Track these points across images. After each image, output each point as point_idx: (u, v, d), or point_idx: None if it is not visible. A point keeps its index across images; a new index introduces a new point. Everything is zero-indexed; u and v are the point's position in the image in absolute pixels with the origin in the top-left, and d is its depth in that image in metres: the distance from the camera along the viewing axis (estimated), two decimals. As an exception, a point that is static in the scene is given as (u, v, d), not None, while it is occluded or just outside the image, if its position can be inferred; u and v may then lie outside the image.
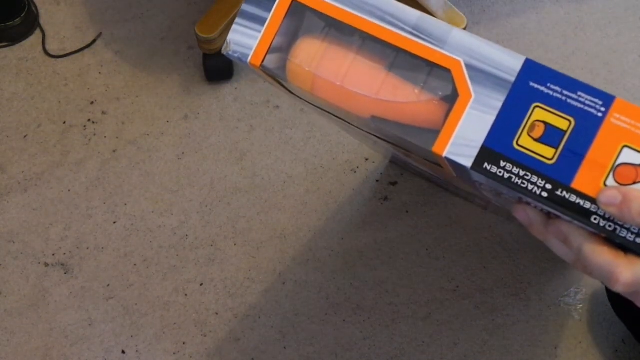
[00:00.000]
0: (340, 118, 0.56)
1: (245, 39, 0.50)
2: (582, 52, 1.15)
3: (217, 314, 0.93)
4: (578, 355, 0.89)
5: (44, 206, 1.01)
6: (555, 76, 0.45)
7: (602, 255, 0.44)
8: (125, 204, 1.01)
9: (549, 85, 0.44)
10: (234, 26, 0.50)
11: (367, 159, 1.03)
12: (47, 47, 1.16)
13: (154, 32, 1.17)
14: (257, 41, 0.50)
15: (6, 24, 1.15)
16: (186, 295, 0.94)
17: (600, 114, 0.44)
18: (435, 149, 0.46)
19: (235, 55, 0.50)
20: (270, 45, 0.50)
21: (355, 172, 1.02)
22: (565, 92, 0.44)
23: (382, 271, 0.95)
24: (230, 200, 1.01)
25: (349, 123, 0.59)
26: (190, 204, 1.01)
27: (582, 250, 0.45)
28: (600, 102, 0.44)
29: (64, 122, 1.08)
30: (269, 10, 0.50)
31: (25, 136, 1.07)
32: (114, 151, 1.05)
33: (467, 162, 0.45)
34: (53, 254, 0.97)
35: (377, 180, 1.01)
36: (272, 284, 0.94)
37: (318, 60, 0.48)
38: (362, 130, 0.60)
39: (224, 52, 0.51)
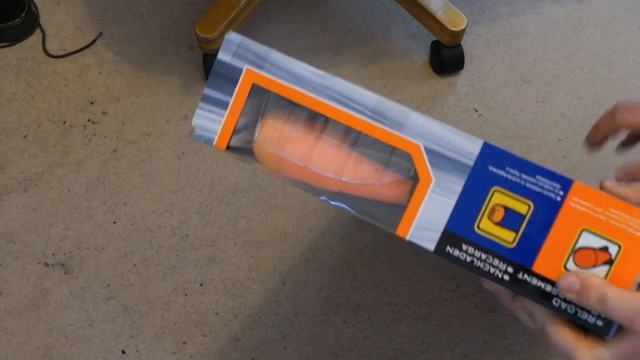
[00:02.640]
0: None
1: (209, 123, 0.51)
2: (582, 52, 1.15)
3: (217, 314, 0.93)
4: (578, 355, 0.89)
5: (44, 206, 1.01)
6: (514, 160, 0.45)
7: (563, 336, 0.45)
8: (125, 204, 1.01)
9: (507, 169, 0.45)
10: (197, 110, 0.52)
11: (367, 159, 1.03)
12: (47, 47, 1.16)
13: (154, 32, 1.17)
14: (221, 125, 0.51)
15: (6, 24, 1.15)
16: (186, 295, 0.94)
17: (559, 198, 0.44)
18: (399, 232, 0.46)
19: (201, 139, 0.51)
20: (235, 128, 0.50)
21: (355, 172, 1.02)
22: (524, 176, 0.45)
23: (382, 271, 0.95)
24: (230, 200, 1.01)
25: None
26: (190, 204, 1.01)
27: (545, 329, 0.46)
28: (559, 186, 0.44)
29: (64, 122, 1.08)
30: (231, 94, 0.50)
31: (25, 136, 1.07)
32: (114, 151, 1.05)
33: (430, 246, 0.46)
34: (53, 254, 0.97)
35: (377, 180, 1.01)
36: (272, 284, 0.94)
37: (283, 142, 0.49)
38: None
39: (190, 135, 0.52)
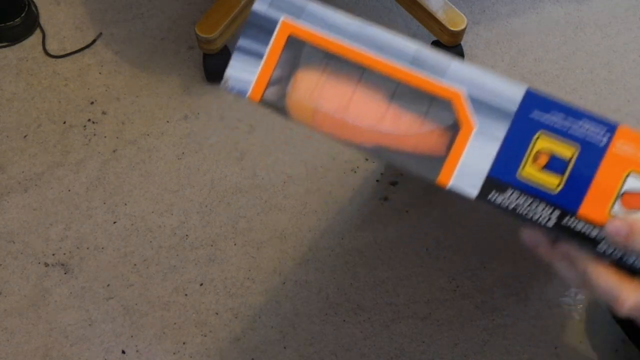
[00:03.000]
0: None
1: (243, 74, 0.50)
2: (582, 52, 1.15)
3: (217, 314, 0.93)
4: (578, 355, 0.89)
5: (44, 206, 1.01)
6: (558, 105, 0.45)
7: (607, 278, 0.44)
8: (125, 204, 1.01)
9: (551, 114, 0.44)
10: (231, 62, 0.50)
11: (367, 159, 1.03)
12: (47, 47, 1.16)
13: (154, 32, 1.17)
14: (256, 76, 0.50)
15: (6, 24, 1.15)
16: (186, 295, 0.94)
17: (604, 142, 0.44)
18: (440, 180, 0.45)
19: (234, 90, 0.50)
20: (269, 79, 0.49)
21: (355, 172, 1.02)
22: (568, 121, 0.44)
23: (382, 271, 0.95)
24: (230, 200, 1.01)
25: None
26: (190, 204, 1.01)
27: (587, 273, 0.45)
28: (604, 130, 0.44)
29: (64, 122, 1.08)
30: (266, 45, 0.49)
31: (25, 136, 1.07)
32: (114, 151, 1.05)
33: (473, 193, 0.45)
34: (53, 254, 0.97)
35: (377, 180, 1.01)
36: (272, 284, 0.94)
37: (318, 94, 0.48)
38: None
39: (222, 87, 0.51)
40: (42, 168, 1.04)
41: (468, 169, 0.45)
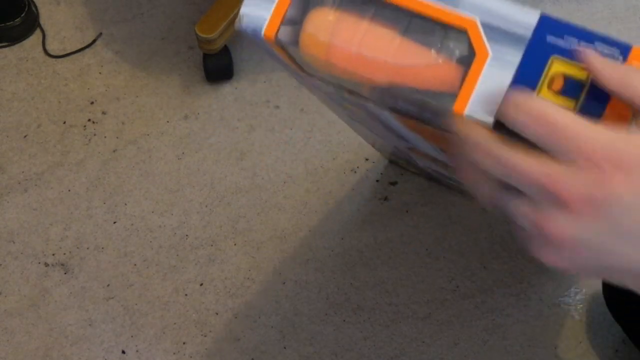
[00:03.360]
0: (354, 94, 0.56)
1: (258, 11, 0.49)
2: (582, 52, 1.15)
3: (217, 314, 0.93)
4: (578, 355, 0.89)
5: (44, 206, 1.01)
6: (572, 28, 0.44)
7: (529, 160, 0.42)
8: (125, 204, 1.01)
9: (565, 37, 0.44)
10: (245, 0, 0.50)
11: (367, 159, 1.03)
12: (47, 47, 1.16)
13: (154, 32, 1.17)
14: (270, 13, 0.49)
15: (6, 24, 1.15)
16: (186, 295, 0.94)
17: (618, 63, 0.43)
18: (456, 107, 0.45)
19: (249, 28, 0.49)
20: (284, 16, 0.49)
21: (355, 172, 1.02)
22: (583, 44, 0.44)
23: (382, 271, 0.95)
24: (230, 200, 1.01)
25: (356, 106, 0.58)
26: (190, 204, 1.01)
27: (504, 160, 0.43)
28: (618, 51, 0.43)
29: (64, 122, 1.08)
30: None
31: (25, 136, 1.07)
32: (114, 151, 1.05)
33: (489, 119, 0.45)
34: (53, 254, 0.97)
35: (377, 180, 1.01)
36: (272, 284, 0.94)
37: (332, 30, 0.48)
38: (369, 114, 0.60)
39: (236, 26, 0.50)
40: (42, 168, 1.04)
41: (484, 97, 0.45)
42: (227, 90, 1.10)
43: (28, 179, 1.03)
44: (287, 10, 0.49)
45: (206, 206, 1.00)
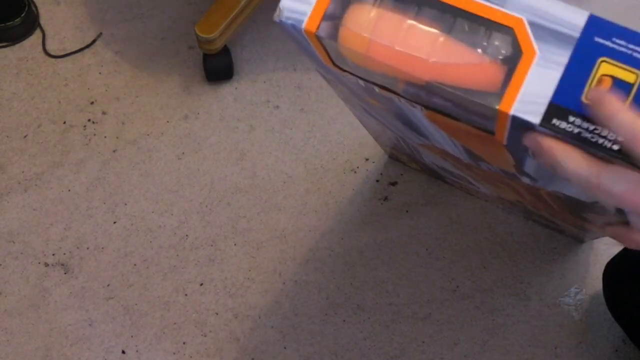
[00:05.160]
0: (376, 96, 0.55)
1: (298, 5, 0.49)
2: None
3: (217, 314, 0.93)
4: (578, 355, 0.89)
5: (44, 206, 1.01)
6: (621, 30, 0.44)
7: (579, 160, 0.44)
8: (125, 204, 1.01)
9: (614, 39, 0.44)
10: None
11: (367, 159, 1.03)
12: (47, 47, 1.16)
13: (154, 32, 1.17)
14: (312, 6, 0.49)
15: (6, 24, 1.15)
16: (186, 295, 0.94)
17: None
18: (502, 107, 0.45)
19: (289, 22, 0.49)
20: (326, 10, 0.49)
21: (355, 172, 1.02)
22: (631, 46, 0.44)
23: (382, 271, 0.95)
24: (230, 200, 1.01)
25: (383, 102, 0.58)
26: (190, 204, 1.01)
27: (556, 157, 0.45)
28: None
29: (64, 122, 1.08)
30: None
31: (25, 136, 1.07)
32: (114, 151, 1.05)
33: (535, 119, 0.44)
34: (53, 254, 0.97)
35: (377, 180, 1.01)
36: (272, 284, 0.94)
37: (373, 26, 0.48)
38: (392, 112, 0.59)
39: (275, 19, 0.50)
40: (42, 168, 1.04)
41: (530, 96, 0.45)
42: (227, 90, 1.10)
43: (28, 179, 1.03)
44: (328, 5, 0.49)
45: (206, 206, 1.00)
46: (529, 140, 0.46)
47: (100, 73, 1.13)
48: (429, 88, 0.48)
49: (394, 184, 1.01)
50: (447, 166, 0.81)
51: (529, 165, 0.57)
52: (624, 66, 0.44)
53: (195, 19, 1.17)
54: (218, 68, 1.09)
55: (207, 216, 0.99)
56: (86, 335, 0.92)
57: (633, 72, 0.44)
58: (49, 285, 0.95)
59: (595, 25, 0.45)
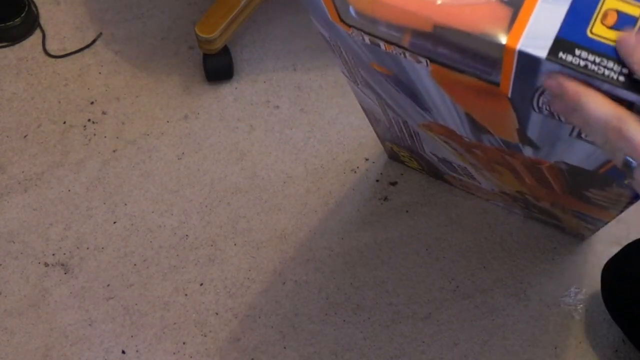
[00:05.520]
0: (383, 59, 0.55)
1: None
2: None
3: (217, 314, 0.93)
4: (578, 355, 0.89)
5: (44, 206, 1.01)
6: None
7: (605, 103, 0.44)
8: (125, 204, 1.01)
9: None
10: None
11: (367, 159, 1.03)
12: (47, 47, 1.16)
13: (154, 32, 1.17)
14: None
15: (6, 24, 1.15)
16: (186, 295, 0.94)
17: None
18: (509, 43, 0.45)
19: None
20: None
21: (355, 172, 1.02)
22: None
23: (382, 271, 0.95)
24: (230, 200, 1.01)
25: (390, 65, 0.58)
26: (190, 204, 1.01)
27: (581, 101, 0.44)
28: None
29: (64, 122, 1.08)
30: None
31: (25, 136, 1.07)
32: (114, 151, 1.05)
33: (542, 53, 0.45)
34: (53, 254, 0.97)
35: (377, 180, 1.01)
36: (272, 284, 0.94)
37: None
38: (398, 82, 0.59)
39: None
40: (42, 168, 1.04)
41: (536, 31, 0.45)
42: (227, 90, 1.10)
43: (28, 179, 1.03)
44: None
45: (206, 206, 1.00)
46: (552, 82, 0.46)
47: (100, 73, 1.13)
48: (436, 36, 0.48)
49: (394, 184, 1.01)
50: (448, 156, 0.81)
51: (533, 128, 0.57)
52: (629, 0, 0.44)
53: (195, 19, 1.17)
54: (218, 68, 1.09)
55: (207, 216, 0.99)
56: (86, 335, 0.92)
57: (637, 5, 0.44)
58: (49, 285, 0.95)
59: None
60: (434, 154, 0.84)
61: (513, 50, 0.46)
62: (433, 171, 0.96)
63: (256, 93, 1.09)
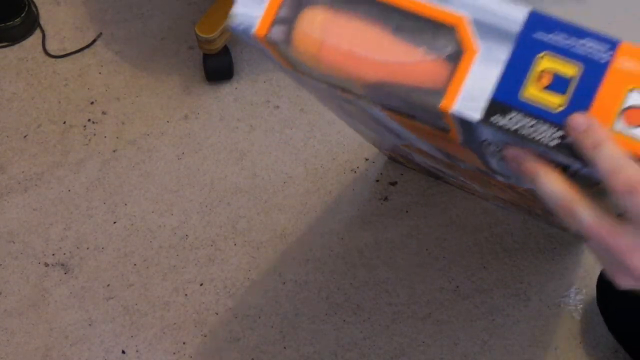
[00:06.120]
0: (348, 92, 0.56)
1: (250, 11, 0.50)
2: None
3: (217, 314, 0.93)
4: (578, 355, 0.89)
5: (44, 206, 1.01)
6: (560, 24, 0.45)
7: (559, 185, 0.44)
8: (125, 204, 1.01)
9: (554, 33, 0.44)
10: (238, 0, 0.51)
11: (367, 159, 1.03)
12: (47, 47, 1.16)
13: (154, 32, 1.17)
14: (263, 12, 0.50)
15: (6, 24, 1.15)
16: (186, 295, 0.94)
17: (606, 59, 0.43)
18: (443, 105, 0.45)
19: (240, 27, 0.50)
20: (276, 15, 0.49)
21: (355, 172, 1.02)
22: (571, 40, 0.44)
23: (382, 271, 0.95)
24: (230, 200, 1.01)
25: (349, 102, 0.58)
26: (190, 204, 1.01)
27: (538, 177, 0.45)
28: (606, 47, 0.43)
29: (64, 122, 1.08)
30: None
31: (25, 136, 1.07)
32: (114, 151, 1.05)
33: (475, 116, 0.45)
34: (53, 254, 0.97)
35: (377, 180, 1.01)
36: (272, 284, 0.94)
37: (323, 28, 0.48)
38: (364, 112, 0.60)
39: (227, 25, 0.51)
40: (42, 168, 1.04)
41: (471, 94, 0.45)
42: (227, 90, 1.10)
43: (28, 179, 1.03)
44: (279, 10, 0.49)
45: (206, 206, 1.00)
46: (509, 154, 0.47)
47: (100, 73, 1.13)
48: (381, 89, 0.48)
49: (393, 184, 1.01)
50: (438, 166, 0.81)
51: (493, 164, 0.57)
52: (563, 60, 0.44)
53: (195, 19, 1.17)
54: (218, 68, 1.09)
55: (207, 216, 0.99)
56: (86, 335, 0.92)
57: (572, 65, 0.44)
58: (49, 285, 0.95)
59: (535, 20, 0.45)
60: (426, 163, 0.84)
61: (448, 112, 0.45)
62: (432, 174, 0.96)
63: (256, 93, 1.09)
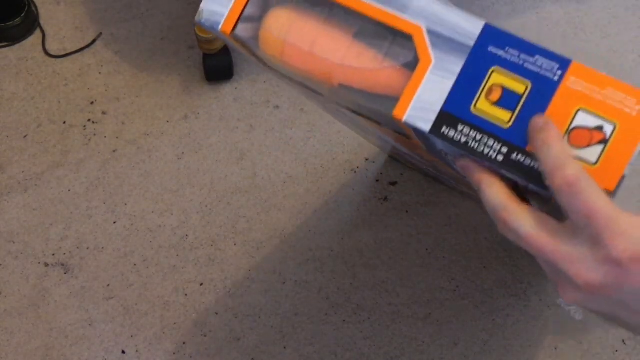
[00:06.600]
0: (317, 93, 0.56)
1: (217, 7, 0.51)
2: (582, 52, 1.15)
3: (217, 314, 0.93)
4: (578, 356, 0.89)
5: (44, 206, 1.01)
6: (514, 40, 0.45)
7: (498, 193, 0.45)
8: (125, 204, 1.01)
9: (507, 49, 0.45)
10: None
11: (367, 159, 1.03)
12: (47, 47, 1.16)
13: (154, 32, 1.17)
14: (229, 9, 0.50)
15: (6, 24, 1.15)
16: (186, 295, 0.94)
17: (556, 77, 0.44)
18: (396, 113, 0.46)
19: (207, 23, 0.51)
20: (242, 13, 0.50)
21: (355, 172, 1.02)
22: (523, 56, 0.44)
23: (382, 271, 0.95)
24: (230, 200, 1.01)
25: (324, 98, 0.59)
26: (190, 204, 1.01)
27: (481, 184, 0.46)
28: (557, 66, 0.44)
29: (64, 122, 1.08)
30: None
31: (25, 136, 1.07)
32: (114, 151, 1.05)
33: (426, 127, 0.45)
34: (53, 254, 0.98)
35: (377, 180, 1.01)
36: (272, 284, 0.94)
37: (288, 28, 0.49)
38: (342, 109, 0.60)
39: (196, 20, 0.52)
40: (42, 168, 1.04)
41: (423, 104, 0.45)
42: (227, 90, 1.10)
43: (28, 179, 1.03)
44: (245, 8, 0.50)
45: (206, 206, 1.00)
46: (460, 164, 0.47)
47: (100, 73, 1.13)
48: (342, 92, 0.49)
49: (393, 184, 1.01)
50: (429, 168, 0.81)
51: (459, 172, 0.58)
52: (514, 76, 0.44)
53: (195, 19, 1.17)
54: (218, 68, 1.09)
55: (207, 216, 0.99)
56: (86, 335, 0.92)
57: (522, 82, 0.44)
58: (49, 285, 0.95)
59: (490, 34, 0.45)
60: (420, 162, 0.84)
61: (400, 120, 0.46)
62: (431, 175, 0.96)
63: (256, 93, 1.09)
